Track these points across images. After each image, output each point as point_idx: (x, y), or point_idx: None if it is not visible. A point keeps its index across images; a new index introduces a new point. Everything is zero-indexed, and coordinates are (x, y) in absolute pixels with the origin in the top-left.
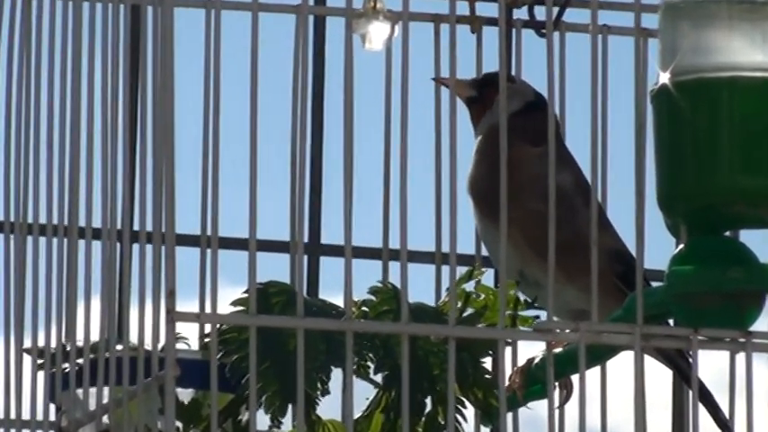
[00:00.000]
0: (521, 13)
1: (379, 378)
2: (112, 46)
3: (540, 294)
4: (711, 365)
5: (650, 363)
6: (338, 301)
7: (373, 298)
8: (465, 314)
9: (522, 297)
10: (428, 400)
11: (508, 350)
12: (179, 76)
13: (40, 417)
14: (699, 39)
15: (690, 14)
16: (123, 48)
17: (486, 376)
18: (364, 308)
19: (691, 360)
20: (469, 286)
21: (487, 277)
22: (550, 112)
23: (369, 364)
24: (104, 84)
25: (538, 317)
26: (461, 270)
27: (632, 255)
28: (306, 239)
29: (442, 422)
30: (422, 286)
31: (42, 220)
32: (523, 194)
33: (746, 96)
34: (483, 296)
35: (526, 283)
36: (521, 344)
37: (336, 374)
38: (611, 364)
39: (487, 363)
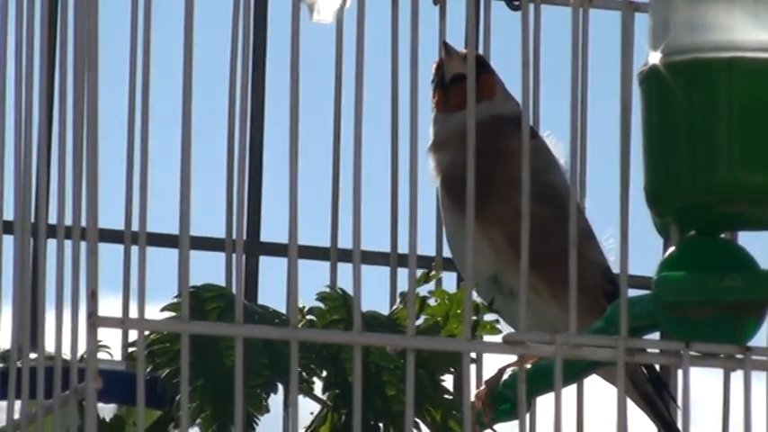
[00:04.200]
0: None
1: (326, 397)
2: (27, 22)
3: (512, 306)
4: (702, 386)
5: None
6: (281, 307)
7: (321, 305)
8: (418, 322)
9: (479, 300)
10: (381, 424)
11: (472, 366)
12: (102, 51)
13: None
14: (695, 14)
15: None
16: (40, 23)
17: (447, 396)
18: (311, 316)
19: (663, 400)
20: (423, 290)
21: (446, 282)
22: (524, 99)
23: (315, 380)
24: (18, 63)
25: (497, 321)
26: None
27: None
28: (244, 236)
29: None
30: (373, 291)
31: None
32: (515, 190)
33: (748, 80)
34: (438, 301)
35: (499, 290)
36: (486, 357)
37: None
38: (588, 382)
39: (447, 381)
